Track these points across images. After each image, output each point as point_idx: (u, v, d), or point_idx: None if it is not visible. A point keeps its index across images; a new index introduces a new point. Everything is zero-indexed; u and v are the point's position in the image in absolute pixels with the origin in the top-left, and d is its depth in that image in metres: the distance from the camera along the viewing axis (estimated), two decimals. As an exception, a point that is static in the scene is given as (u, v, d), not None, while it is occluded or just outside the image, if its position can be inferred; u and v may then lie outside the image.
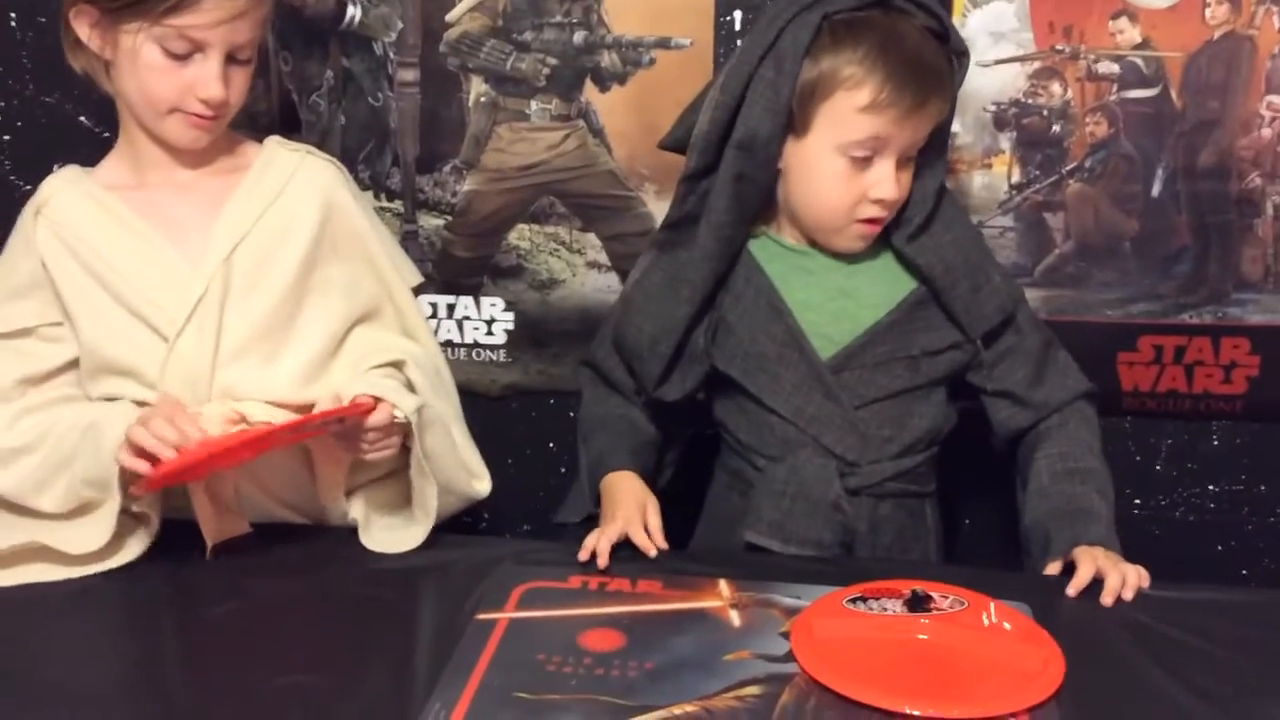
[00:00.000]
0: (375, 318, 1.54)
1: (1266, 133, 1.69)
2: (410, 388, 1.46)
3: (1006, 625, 1.23)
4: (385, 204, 1.81)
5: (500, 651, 1.20)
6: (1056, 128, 1.72)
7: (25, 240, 1.45)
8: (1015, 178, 1.74)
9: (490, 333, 1.87)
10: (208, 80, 1.38)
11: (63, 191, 1.46)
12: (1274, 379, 1.77)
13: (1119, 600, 1.31)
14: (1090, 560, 1.34)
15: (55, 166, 1.70)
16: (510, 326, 1.87)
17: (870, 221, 1.44)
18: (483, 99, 1.78)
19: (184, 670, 1.23)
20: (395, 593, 1.34)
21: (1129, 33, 1.67)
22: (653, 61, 1.74)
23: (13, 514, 1.43)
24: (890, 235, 1.48)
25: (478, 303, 1.86)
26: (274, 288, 1.44)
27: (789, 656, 1.19)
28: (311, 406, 1.41)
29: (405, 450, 1.44)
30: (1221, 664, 1.21)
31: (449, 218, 1.83)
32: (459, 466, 1.49)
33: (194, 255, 1.43)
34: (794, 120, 1.41)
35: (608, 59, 1.74)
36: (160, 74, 1.38)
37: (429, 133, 1.80)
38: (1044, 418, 1.52)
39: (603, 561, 1.36)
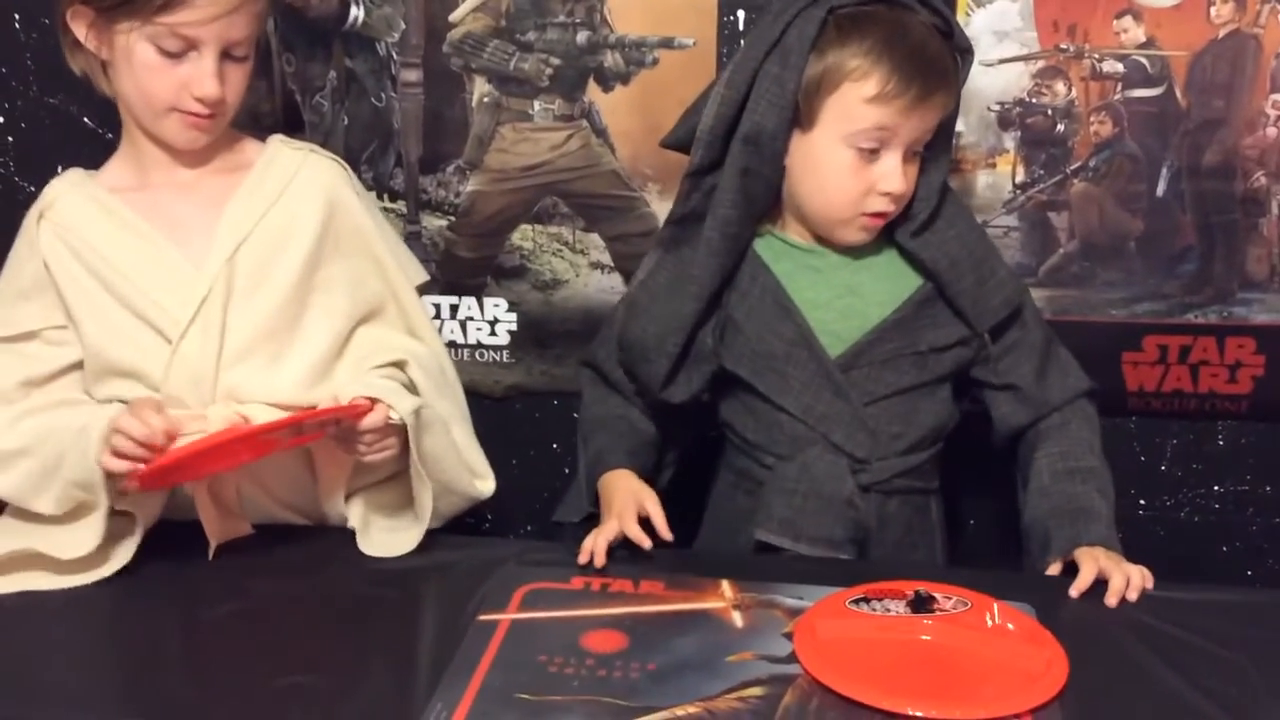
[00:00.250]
0: (379, 316, 1.54)
1: (1272, 131, 1.69)
2: (412, 388, 1.46)
3: (1010, 626, 1.23)
4: (388, 204, 1.81)
5: (502, 652, 1.20)
6: (1061, 127, 1.71)
7: (29, 243, 1.46)
8: (1019, 177, 1.74)
9: (493, 333, 1.87)
10: (203, 78, 1.38)
11: (66, 194, 1.46)
12: (1279, 379, 1.76)
13: (1123, 601, 1.31)
14: (1092, 561, 1.34)
15: (59, 168, 1.70)
16: (513, 327, 1.87)
17: (876, 215, 1.44)
18: (486, 99, 1.78)
19: (185, 670, 1.23)
20: (397, 593, 1.34)
21: (1133, 32, 1.67)
22: (656, 61, 1.73)
23: (9, 518, 1.43)
24: (895, 232, 1.48)
25: (481, 303, 1.86)
26: (278, 287, 1.44)
27: (792, 657, 1.19)
28: (313, 409, 1.41)
29: (407, 450, 1.44)
30: (1226, 664, 1.20)
31: (452, 218, 1.83)
32: (461, 467, 1.49)
33: (197, 256, 1.43)
34: (800, 114, 1.41)
35: (611, 59, 1.74)
36: (155, 73, 1.38)
37: (432, 133, 1.80)
38: (1045, 415, 1.52)
39: (599, 560, 1.36)
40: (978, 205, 1.73)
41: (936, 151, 1.46)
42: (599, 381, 1.61)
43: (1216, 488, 1.84)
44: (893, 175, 1.40)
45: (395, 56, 1.77)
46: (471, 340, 1.87)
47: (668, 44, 1.73)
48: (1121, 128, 1.71)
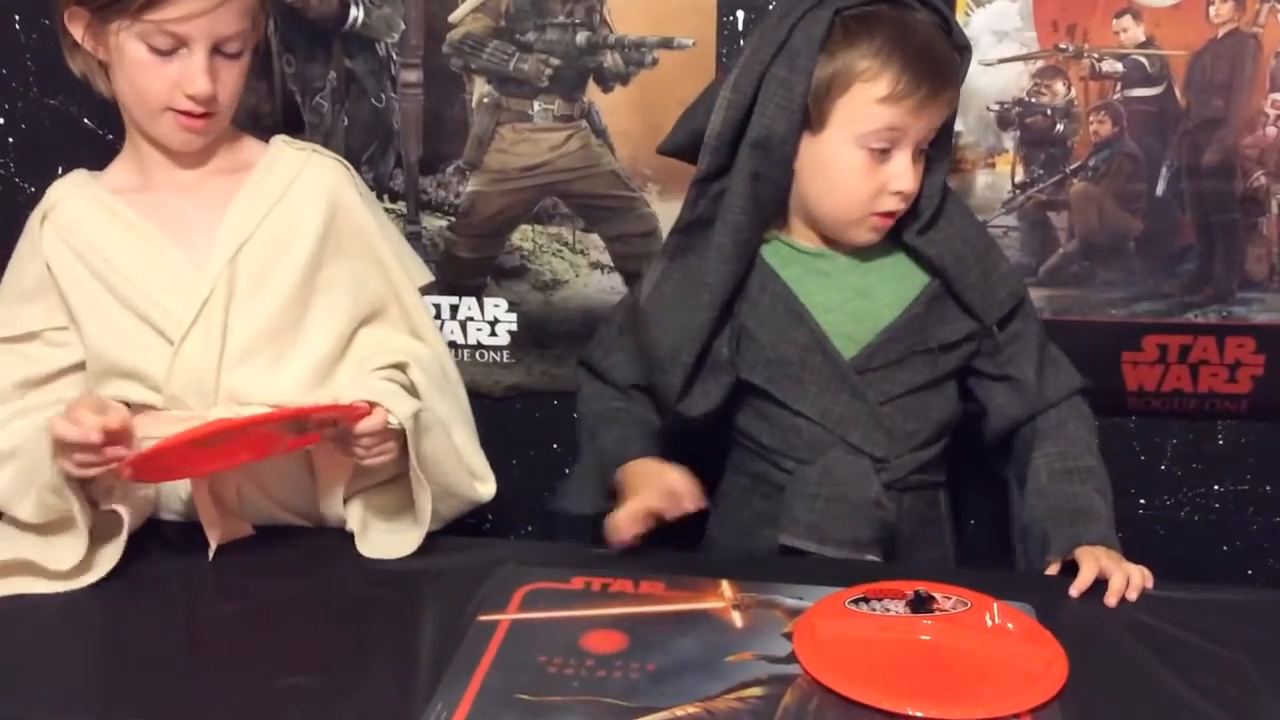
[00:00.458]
0: (381, 317, 1.53)
1: (1271, 131, 1.69)
2: (413, 390, 1.46)
3: (1009, 626, 1.23)
4: (388, 205, 1.81)
5: (502, 653, 1.20)
6: (1060, 127, 1.71)
7: (32, 245, 1.46)
8: (1019, 177, 1.74)
9: (493, 334, 1.87)
10: (193, 75, 1.37)
11: (69, 196, 1.46)
12: (1279, 378, 1.76)
13: (1122, 600, 1.31)
14: (1093, 560, 1.34)
15: (59, 169, 1.70)
16: (513, 327, 1.87)
17: (886, 215, 1.44)
18: (485, 100, 1.78)
19: (185, 670, 1.23)
20: (397, 594, 1.34)
21: (1132, 31, 1.67)
22: (655, 62, 1.74)
23: (3, 524, 1.44)
24: (901, 231, 1.48)
25: (481, 304, 1.86)
26: (280, 288, 1.44)
27: (791, 658, 1.19)
28: (311, 406, 1.41)
29: (407, 452, 1.44)
30: (1226, 664, 1.20)
31: (452, 219, 1.83)
32: (461, 470, 1.49)
33: (199, 257, 1.43)
34: (810, 117, 1.40)
35: (610, 59, 1.74)
36: (147, 72, 1.38)
37: (432, 134, 1.80)
38: (1041, 411, 1.52)
39: (627, 535, 1.36)
40: (977, 205, 1.73)
41: (939, 150, 1.47)
42: (595, 379, 1.61)
43: (1216, 487, 1.84)
44: (904, 174, 1.41)
45: (395, 57, 1.77)
46: (471, 340, 1.88)
47: (667, 44, 1.73)
48: (1121, 127, 1.71)
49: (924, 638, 1.21)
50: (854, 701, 1.12)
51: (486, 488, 1.53)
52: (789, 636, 1.22)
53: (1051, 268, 1.76)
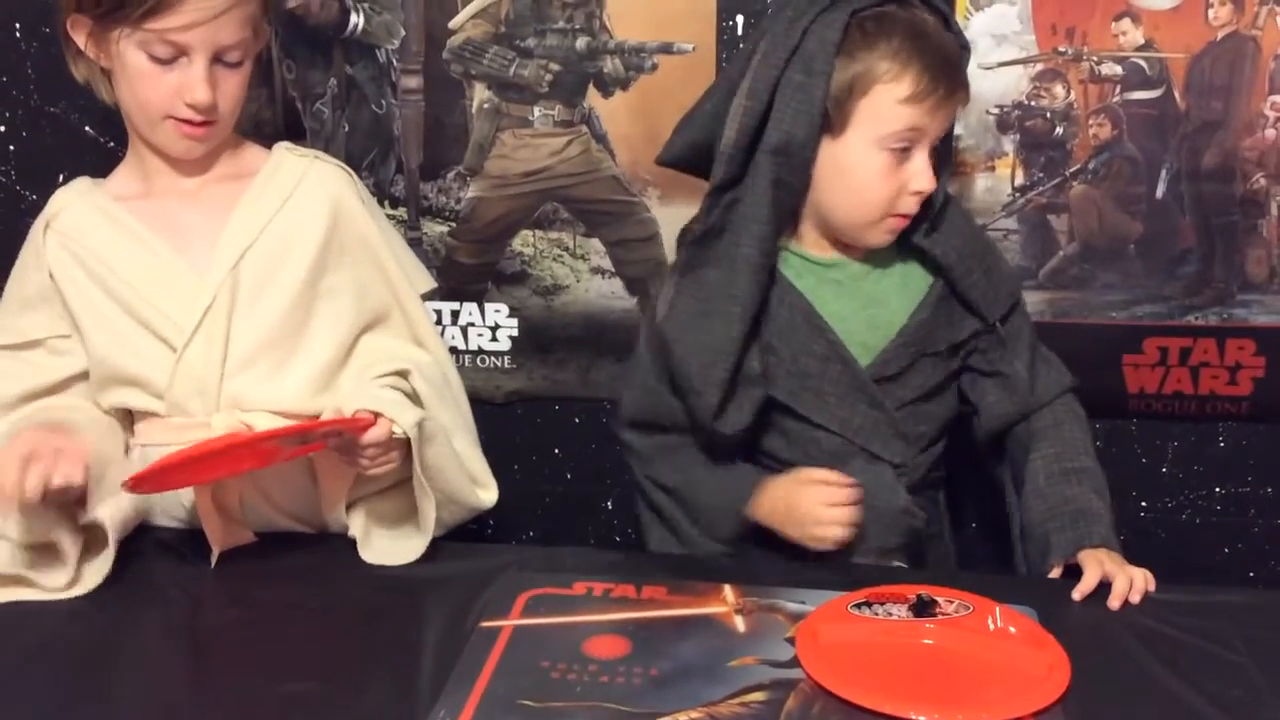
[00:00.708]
0: (384, 324, 1.53)
1: (1271, 133, 1.69)
2: (415, 398, 1.46)
3: (1012, 629, 1.23)
4: (389, 211, 1.81)
5: (505, 659, 1.20)
6: (1059, 130, 1.71)
7: (35, 253, 1.46)
8: (1019, 180, 1.74)
9: (495, 339, 1.87)
10: (193, 84, 1.38)
11: (72, 204, 1.47)
12: (1280, 380, 1.76)
13: (1125, 604, 1.31)
14: (1096, 564, 1.34)
15: (60, 177, 1.71)
16: (514, 333, 1.87)
17: (903, 215, 1.43)
18: (486, 105, 1.78)
19: (188, 677, 1.23)
20: (399, 600, 1.34)
21: (1131, 34, 1.67)
22: (655, 67, 1.74)
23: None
24: (910, 233, 1.47)
25: (482, 309, 1.86)
26: (282, 295, 1.45)
27: (794, 662, 1.19)
28: (317, 418, 1.41)
29: (410, 459, 1.44)
30: (1230, 667, 1.20)
31: (453, 224, 1.83)
32: (463, 477, 1.49)
33: (202, 264, 1.44)
34: (829, 120, 1.39)
35: (610, 64, 1.75)
36: (147, 80, 1.38)
37: (432, 140, 1.80)
38: (1034, 411, 1.52)
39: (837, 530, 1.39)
40: (977, 208, 1.73)
41: (943, 151, 1.47)
42: (649, 435, 1.53)
43: (1218, 489, 1.84)
44: (923, 174, 1.40)
45: (395, 63, 1.77)
46: (473, 346, 1.88)
47: (667, 49, 1.73)
48: (1120, 130, 1.71)
49: (926, 642, 1.22)
50: (857, 706, 1.12)
51: (488, 494, 1.53)
52: (791, 641, 1.22)
53: (1052, 270, 1.76)
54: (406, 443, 1.39)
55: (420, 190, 1.82)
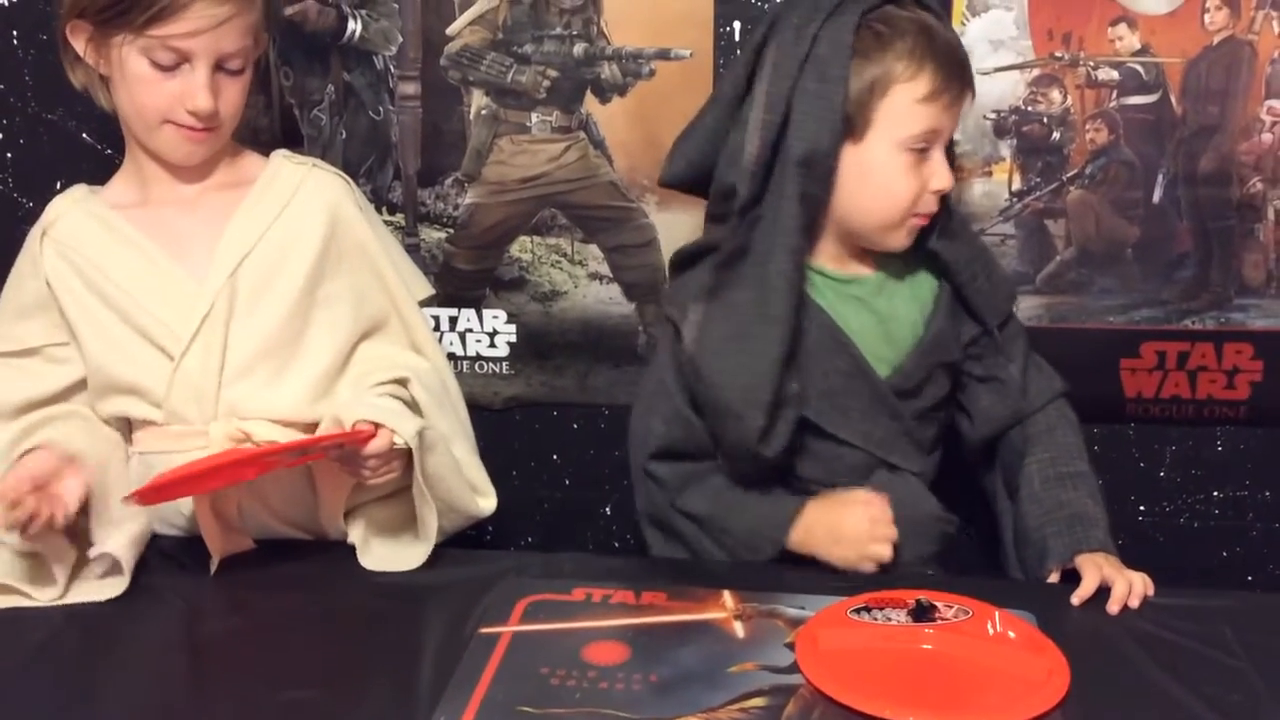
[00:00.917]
0: (381, 331, 1.53)
1: (1267, 137, 1.69)
2: (414, 406, 1.46)
3: (1011, 634, 1.23)
4: (387, 218, 1.81)
5: (504, 665, 1.20)
6: (1056, 135, 1.72)
7: (32, 261, 1.46)
8: (1016, 185, 1.74)
9: (493, 345, 1.87)
10: (195, 91, 1.38)
11: (69, 212, 1.46)
12: (1277, 384, 1.76)
13: (1124, 608, 1.31)
14: (1095, 568, 1.34)
15: (57, 184, 1.70)
16: (513, 339, 1.87)
17: (923, 216, 1.43)
18: (483, 112, 1.78)
19: (187, 685, 1.23)
20: (399, 607, 1.34)
21: (1128, 39, 1.67)
22: (653, 73, 1.74)
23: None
24: (924, 238, 1.47)
25: (480, 315, 1.86)
26: (280, 303, 1.44)
27: (794, 668, 1.19)
28: (316, 426, 1.41)
29: (410, 468, 1.44)
30: (1229, 671, 1.20)
31: (451, 231, 1.83)
32: (463, 485, 1.49)
33: (199, 272, 1.44)
34: (851, 125, 1.37)
35: (608, 71, 1.75)
36: (148, 86, 1.38)
37: (430, 146, 1.80)
38: (1027, 416, 1.52)
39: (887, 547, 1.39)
40: (975, 213, 1.74)
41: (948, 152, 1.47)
42: (677, 464, 1.48)
43: (1216, 493, 1.84)
44: (943, 172, 1.40)
45: (393, 70, 1.77)
46: (471, 352, 1.88)
47: (664, 55, 1.73)
48: (1117, 135, 1.71)
49: (926, 647, 1.22)
50: (857, 711, 1.12)
51: (487, 502, 1.53)
52: (791, 646, 1.22)
53: (1049, 275, 1.76)
54: (407, 452, 1.39)
55: (418, 197, 1.82)
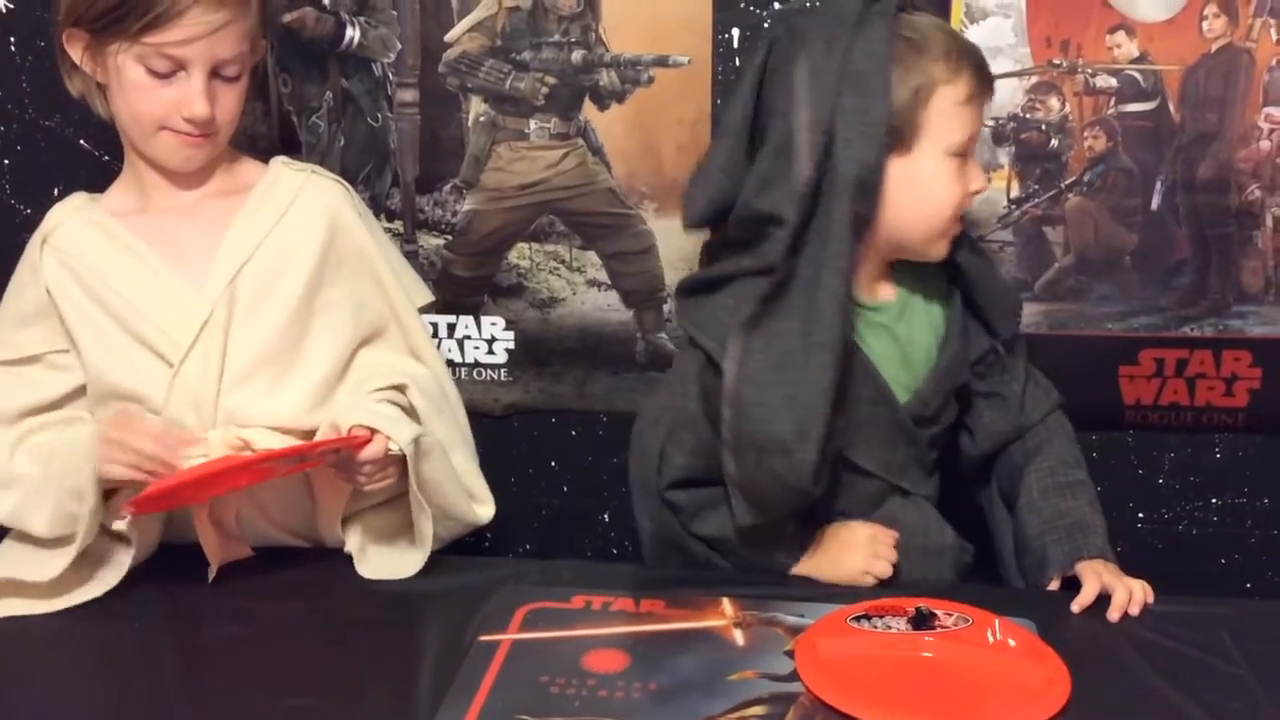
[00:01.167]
0: (381, 338, 1.53)
1: (1265, 145, 1.69)
2: (411, 412, 1.46)
3: (1011, 642, 1.23)
4: (385, 224, 1.81)
5: (503, 673, 1.20)
6: (1055, 142, 1.72)
7: (32, 268, 1.46)
8: (1014, 192, 1.74)
9: (491, 352, 1.87)
10: (191, 98, 1.38)
11: (68, 220, 1.46)
12: (1276, 391, 1.76)
13: (1124, 615, 1.31)
14: (1094, 575, 1.34)
15: (55, 191, 1.70)
16: (511, 345, 1.87)
17: (960, 221, 1.42)
18: (482, 118, 1.78)
19: (185, 693, 1.23)
20: (397, 615, 1.34)
21: (1126, 46, 1.67)
22: (651, 80, 1.74)
23: (3, 548, 1.44)
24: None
25: (478, 322, 1.86)
26: (279, 309, 1.44)
27: (793, 676, 1.19)
28: (314, 433, 1.41)
29: (407, 474, 1.43)
30: (1228, 679, 1.20)
31: (449, 237, 1.83)
32: (460, 492, 1.48)
33: (199, 279, 1.43)
34: (899, 136, 1.33)
35: (606, 77, 1.75)
36: (144, 93, 1.38)
37: (428, 153, 1.80)
38: (1026, 429, 1.52)
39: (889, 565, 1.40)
40: (974, 220, 1.73)
41: None
42: (699, 500, 1.44)
43: (1214, 500, 1.84)
44: (978, 174, 1.39)
45: (391, 76, 1.77)
46: (469, 359, 1.87)
47: (663, 62, 1.73)
48: (1115, 142, 1.71)
49: (926, 655, 1.22)
50: (857, 719, 1.12)
51: (485, 510, 1.53)
52: (791, 654, 1.22)
53: (1047, 282, 1.76)
54: (404, 458, 1.39)
55: (416, 203, 1.82)
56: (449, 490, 1.46)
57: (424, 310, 1.58)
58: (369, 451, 1.36)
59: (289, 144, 1.77)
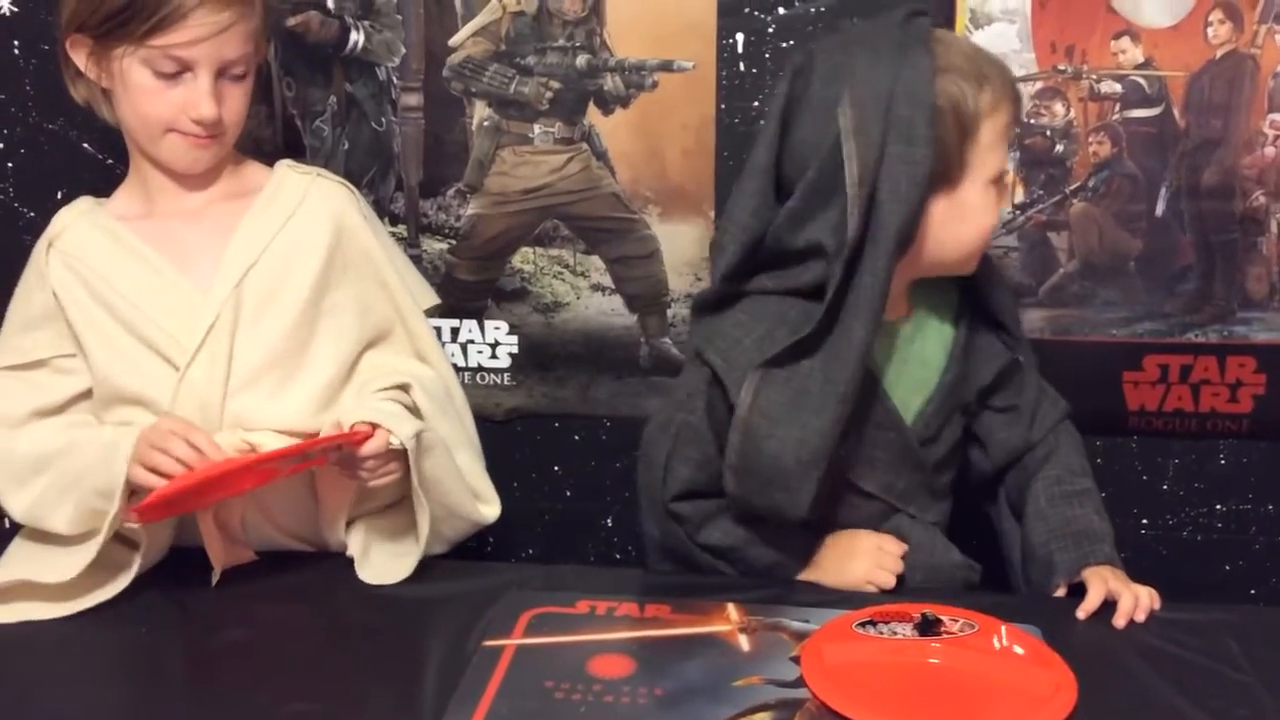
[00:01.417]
0: (386, 341, 1.54)
1: (1270, 151, 1.69)
2: (415, 411, 1.46)
3: (1017, 648, 1.23)
4: (389, 228, 1.81)
5: (508, 679, 1.19)
6: (1059, 147, 1.71)
7: (38, 273, 1.46)
8: (1019, 198, 1.74)
9: (494, 356, 1.87)
10: (198, 100, 1.38)
11: (75, 224, 1.47)
12: (1280, 398, 1.76)
13: (1130, 622, 1.30)
14: (1100, 582, 1.34)
15: (59, 194, 1.71)
16: (514, 350, 1.87)
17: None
18: (486, 123, 1.78)
19: (189, 697, 1.23)
20: (402, 619, 1.34)
21: (1131, 52, 1.67)
22: (655, 84, 1.74)
23: (14, 549, 1.44)
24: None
25: (482, 326, 1.86)
26: (285, 313, 1.44)
27: (799, 682, 1.18)
28: (315, 437, 1.41)
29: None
30: (1235, 686, 1.20)
31: (452, 242, 1.83)
32: (463, 490, 1.48)
33: (205, 282, 1.43)
34: (945, 174, 1.31)
35: (610, 82, 1.75)
36: (151, 96, 1.38)
37: (432, 157, 1.80)
38: (1037, 442, 1.51)
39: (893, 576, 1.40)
40: (978, 226, 1.73)
41: None
42: (704, 511, 1.44)
43: (1219, 507, 1.84)
44: (1007, 192, 1.39)
45: (395, 81, 1.77)
46: (472, 363, 1.87)
47: (667, 67, 1.73)
48: (1120, 148, 1.71)
49: (932, 661, 1.21)
50: (863, 726, 1.12)
51: (490, 509, 1.53)
52: (796, 660, 1.22)
53: (1052, 288, 1.76)
54: (406, 456, 1.39)
55: (420, 208, 1.82)
56: (452, 488, 1.46)
57: (429, 313, 1.58)
58: (370, 446, 1.36)
59: (293, 148, 1.77)
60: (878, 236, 1.28)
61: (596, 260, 1.82)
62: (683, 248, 1.78)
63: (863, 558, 1.41)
